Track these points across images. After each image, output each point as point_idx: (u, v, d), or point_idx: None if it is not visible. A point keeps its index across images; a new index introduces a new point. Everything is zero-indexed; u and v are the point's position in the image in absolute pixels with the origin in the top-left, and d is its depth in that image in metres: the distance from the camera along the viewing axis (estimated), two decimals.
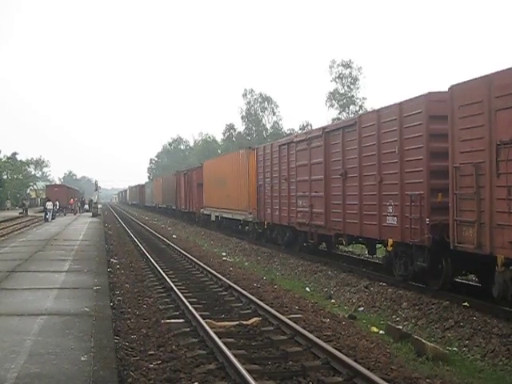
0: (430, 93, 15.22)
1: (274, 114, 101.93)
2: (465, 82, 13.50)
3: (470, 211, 13.24)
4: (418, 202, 15.35)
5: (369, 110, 51.51)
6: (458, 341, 12.03)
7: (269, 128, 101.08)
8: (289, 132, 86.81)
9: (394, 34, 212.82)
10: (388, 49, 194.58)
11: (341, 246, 25.07)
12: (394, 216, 16.63)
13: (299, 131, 75.43)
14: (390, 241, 16.75)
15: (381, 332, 12.75)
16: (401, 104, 16.33)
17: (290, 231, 26.35)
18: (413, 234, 15.56)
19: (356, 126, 19.08)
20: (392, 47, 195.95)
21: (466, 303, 14.05)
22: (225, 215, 38.16)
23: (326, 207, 21.60)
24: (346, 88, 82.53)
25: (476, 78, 13.10)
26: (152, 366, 9.55)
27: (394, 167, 16.57)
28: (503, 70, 12.26)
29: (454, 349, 11.54)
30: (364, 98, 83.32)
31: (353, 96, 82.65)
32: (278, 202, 27.25)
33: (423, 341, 11.19)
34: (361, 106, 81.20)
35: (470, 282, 16.86)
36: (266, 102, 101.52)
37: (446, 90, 14.10)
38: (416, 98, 15.71)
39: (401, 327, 12.77)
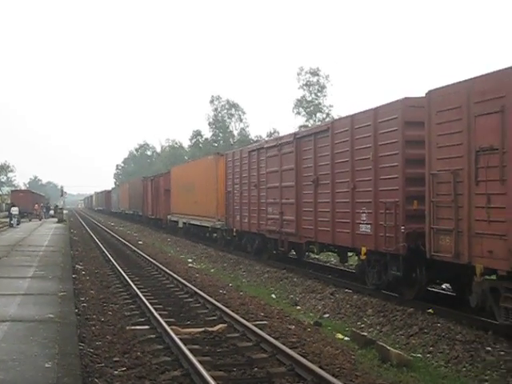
0: (406, 98, 14.84)
1: (241, 120, 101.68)
2: (443, 87, 13.14)
3: (447, 219, 12.88)
4: (392, 209, 14.97)
5: (336, 117, 51.30)
6: (422, 347, 11.93)
7: (236, 135, 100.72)
8: (256, 139, 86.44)
9: (361, 41, 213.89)
10: (355, 56, 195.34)
11: (308, 254, 24.69)
12: (367, 224, 16.25)
13: (266, 138, 75.11)
14: (364, 249, 16.35)
15: (346, 339, 12.56)
16: (376, 109, 15.96)
17: (259, 239, 25.91)
18: (387, 243, 15.17)
19: (329, 131, 18.66)
20: (360, 55, 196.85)
21: (430, 310, 14.02)
22: (192, 222, 37.59)
23: (297, 214, 21.17)
24: (313, 95, 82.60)
25: (455, 83, 12.74)
26: (117, 372, 9.35)
27: (368, 174, 16.19)
28: (484, 75, 11.90)
29: (418, 355, 11.41)
30: (331, 106, 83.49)
31: (320, 103, 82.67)
32: (247, 208, 26.81)
33: (388, 347, 11.03)
34: (328, 114, 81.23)
35: (444, 291, 16.58)
36: (234, 109, 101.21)
37: (423, 95, 13.74)
38: (392, 103, 15.34)
39: (366, 334, 12.59)
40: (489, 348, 11.22)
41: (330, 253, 22.44)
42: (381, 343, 11.44)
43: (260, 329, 11.79)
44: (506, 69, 11.27)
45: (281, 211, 22.63)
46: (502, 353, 10.87)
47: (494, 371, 10.16)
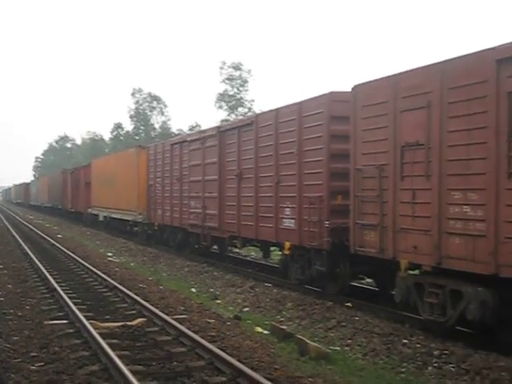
0: (332, 92, 14.61)
1: (163, 113, 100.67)
2: (369, 82, 12.97)
3: (372, 214, 12.73)
4: (317, 204, 14.74)
5: (258, 112, 51.07)
6: (341, 340, 11.85)
7: (157, 128, 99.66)
8: (178, 132, 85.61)
9: (283, 36, 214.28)
10: (279, 51, 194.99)
11: (230, 248, 24.42)
12: (291, 218, 15.98)
13: (188, 132, 74.38)
14: (287, 244, 16.09)
15: (265, 332, 12.34)
16: (301, 103, 15.68)
17: (181, 233, 25.43)
18: (311, 238, 14.94)
19: (253, 125, 18.33)
20: (283, 50, 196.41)
21: (348, 304, 14.02)
22: (113, 215, 36.70)
23: (219, 209, 20.78)
24: (235, 90, 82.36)
25: (381, 78, 12.57)
26: (34, 367, 9.02)
27: (292, 168, 15.92)
28: (410, 70, 11.76)
29: (337, 348, 11.31)
30: (252, 100, 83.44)
31: (242, 98, 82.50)
32: (169, 202, 26.30)
33: (306, 340, 10.87)
34: (249, 108, 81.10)
35: (367, 286, 16.53)
36: (155, 102, 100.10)
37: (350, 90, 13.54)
38: (317, 97, 15.08)
39: (285, 327, 12.35)
40: (405, 340, 11.24)
41: (251, 247, 22.20)
42: (299, 336, 11.30)
43: (179, 323, 11.58)
44: (433, 64, 11.14)
45: (203, 205, 22.20)
46: (418, 345, 10.93)
47: (410, 363, 10.18)
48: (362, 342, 11.52)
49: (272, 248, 19.21)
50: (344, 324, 12.78)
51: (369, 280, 16.42)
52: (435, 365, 9.96)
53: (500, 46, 9.78)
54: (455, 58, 10.65)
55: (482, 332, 10.91)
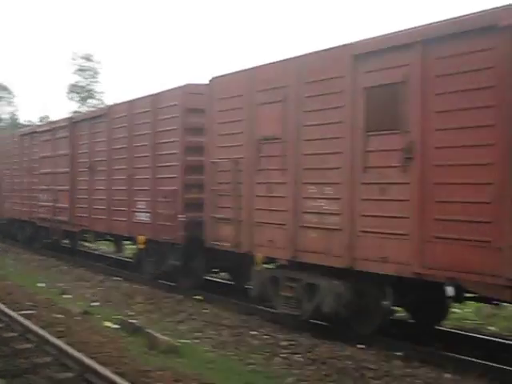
0: (187, 84, 14.15)
1: (11, 104, 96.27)
2: (225, 75, 12.61)
3: (227, 208, 12.38)
4: (171, 197, 14.25)
5: (109, 103, 49.62)
6: (190, 333, 11.57)
7: (8, 118, 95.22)
8: (27, 123, 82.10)
9: (137, 29, 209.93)
10: (132, 43, 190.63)
11: (82, 242, 23.41)
12: (145, 212, 15.41)
13: (38, 123, 71.51)
14: (142, 238, 15.48)
15: (114, 326, 11.84)
16: (156, 95, 15.12)
17: (30, 227, 24.08)
18: (165, 232, 14.45)
19: (106, 117, 17.57)
20: (136, 42, 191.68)
21: (199, 297, 13.85)
22: None
23: (70, 202, 19.80)
24: (87, 81, 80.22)
25: (238, 71, 12.25)
26: None
27: (146, 161, 15.35)
28: (267, 64, 11.51)
29: (186, 341, 11.01)
30: (102, 92, 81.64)
31: (92, 89, 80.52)
32: (18, 195, 24.91)
33: (155, 334, 10.56)
34: (100, 100, 79.19)
35: (223, 280, 16.35)
36: (3, 92, 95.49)
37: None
38: (173, 89, 14.57)
39: (134, 321, 11.91)
40: (254, 332, 11.14)
41: (104, 241, 21.43)
42: (149, 330, 10.91)
43: (26, 318, 10.99)
44: (289, 58, 10.94)
45: (54, 198, 21.11)
46: (267, 336, 10.87)
47: (258, 354, 10.06)
48: (211, 335, 11.32)
49: (127, 242, 18.53)
50: (194, 317, 12.56)
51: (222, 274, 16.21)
52: (283, 355, 9.87)
53: (357, 41, 9.70)
54: (312, 53, 10.48)
55: (338, 324, 10.87)
